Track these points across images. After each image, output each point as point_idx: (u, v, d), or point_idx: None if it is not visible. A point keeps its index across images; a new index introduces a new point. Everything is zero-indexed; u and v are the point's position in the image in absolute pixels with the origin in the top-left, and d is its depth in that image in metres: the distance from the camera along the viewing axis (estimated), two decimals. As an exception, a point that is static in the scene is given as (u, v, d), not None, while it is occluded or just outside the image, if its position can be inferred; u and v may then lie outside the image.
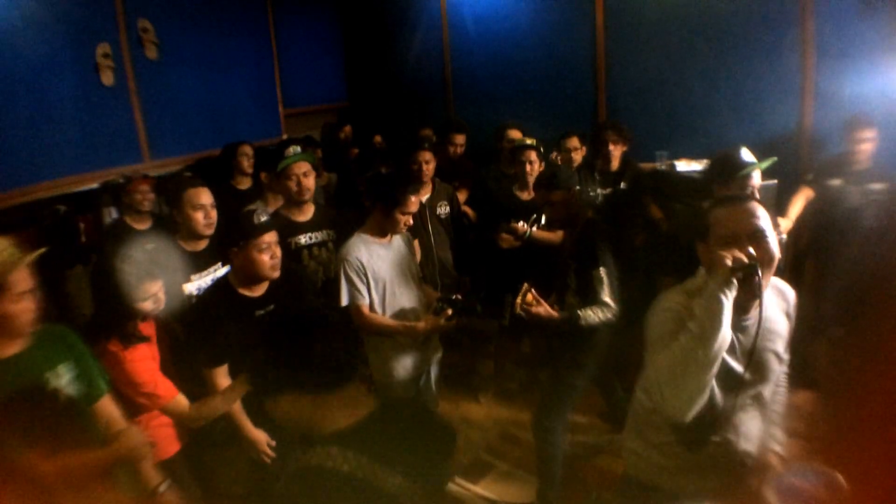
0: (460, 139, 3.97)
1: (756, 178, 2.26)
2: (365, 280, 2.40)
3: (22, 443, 1.37)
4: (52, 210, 3.28)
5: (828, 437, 1.55)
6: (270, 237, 2.05)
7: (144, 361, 1.95)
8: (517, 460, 2.87)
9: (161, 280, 2.02)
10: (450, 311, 2.34)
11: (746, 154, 2.29)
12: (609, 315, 2.26)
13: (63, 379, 1.67)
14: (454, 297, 2.41)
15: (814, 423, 1.60)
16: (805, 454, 1.54)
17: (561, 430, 2.47)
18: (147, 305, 1.98)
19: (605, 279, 2.26)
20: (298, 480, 1.13)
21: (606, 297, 2.25)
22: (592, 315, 2.26)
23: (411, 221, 2.49)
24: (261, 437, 2.10)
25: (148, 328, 2.06)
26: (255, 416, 2.10)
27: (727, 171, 2.28)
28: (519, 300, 2.27)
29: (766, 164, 2.29)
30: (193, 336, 2.08)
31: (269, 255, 2.04)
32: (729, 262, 1.29)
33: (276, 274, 2.09)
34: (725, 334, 1.30)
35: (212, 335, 2.01)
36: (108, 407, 1.78)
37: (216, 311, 2.04)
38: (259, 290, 2.12)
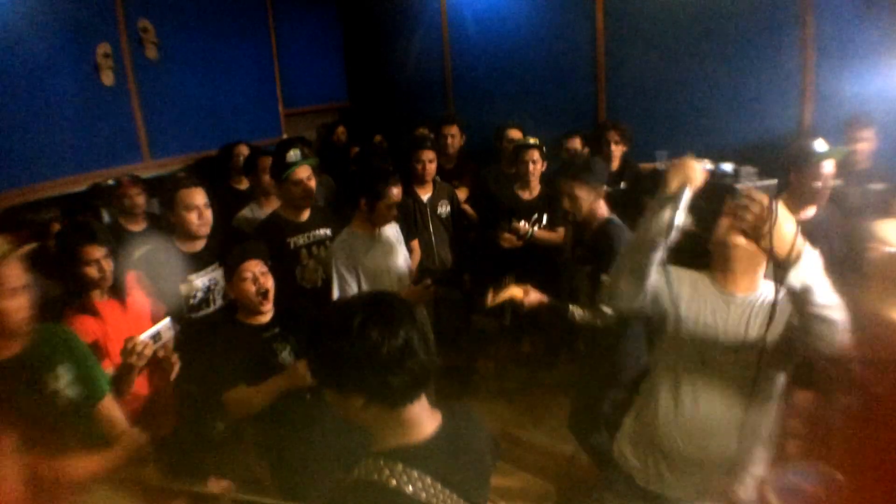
0: (452, 129, 3.97)
1: (829, 167, 2.37)
2: (354, 273, 2.46)
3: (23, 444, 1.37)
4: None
5: (828, 438, 1.55)
6: (254, 266, 2.08)
7: (81, 336, 1.93)
8: (517, 460, 2.87)
9: (107, 247, 2.06)
10: (429, 280, 2.45)
11: (820, 144, 2.39)
12: (598, 322, 2.18)
13: (62, 381, 1.65)
14: (433, 267, 2.47)
15: (814, 424, 1.60)
16: (805, 454, 1.54)
17: (601, 437, 2.45)
18: (91, 272, 2.01)
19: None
20: (356, 493, 1.04)
21: (607, 308, 2.13)
22: (582, 315, 2.24)
23: (396, 212, 2.57)
24: (301, 367, 2.05)
25: (108, 308, 2.08)
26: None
27: (802, 158, 2.38)
28: (498, 291, 2.28)
29: (841, 152, 2.43)
30: (203, 367, 2.08)
31: (255, 287, 2.07)
32: None
33: (267, 307, 2.12)
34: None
35: (223, 365, 2.04)
36: (109, 408, 1.77)
37: (224, 344, 2.08)
38: (264, 317, 2.15)
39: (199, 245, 2.49)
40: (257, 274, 2.07)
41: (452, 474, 1.07)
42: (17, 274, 1.52)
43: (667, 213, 1.45)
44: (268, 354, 2.12)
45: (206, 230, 2.46)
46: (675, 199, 1.45)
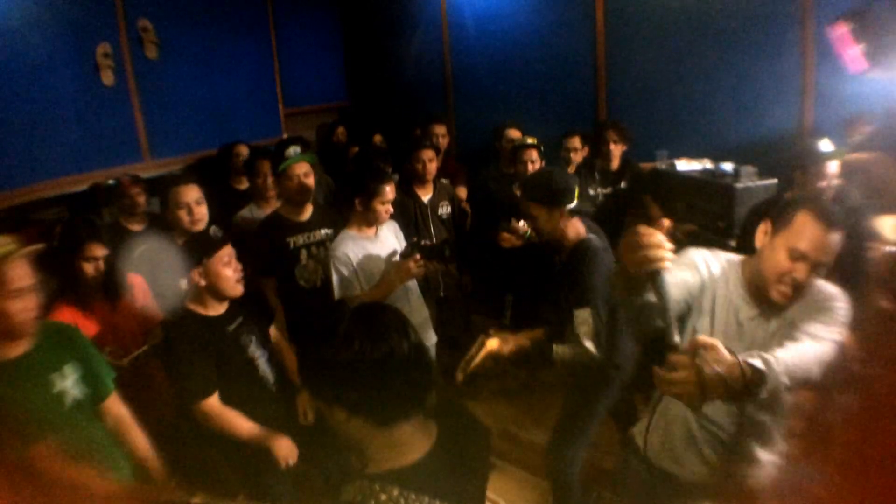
0: (440, 129, 3.99)
1: (834, 167, 2.39)
2: (354, 273, 2.43)
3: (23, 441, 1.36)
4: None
5: (828, 438, 1.55)
6: (230, 250, 2.03)
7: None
8: (517, 460, 2.87)
9: (107, 249, 2.07)
10: (418, 256, 2.35)
11: (826, 144, 2.43)
12: (585, 359, 2.00)
13: (69, 380, 1.65)
14: (422, 242, 2.41)
15: (814, 424, 1.60)
16: (805, 454, 1.54)
17: (578, 462, 2.35)
18: (88, 268, 2.03)
19: (590, 320, 1.98)
20: None
21: (587, 342, 1.99)
22: (568, 354, 2.01)
23: (391, 209, 2.53)
24: (286, 440, 2.02)
25: (97, 306, 2.09)
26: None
27: (807, 158, 2.42)
28: (471, 356, 2.05)
29: (844, 153, 2.46)
30: (174, 374, 2.00)
31: (231, 268, 2.01)
32: None
33: (240, 290, 2.06)
34: None
35: (194, 369, 1.95)
36: (115, 406, 1.78)
37: (191, 344, 1.97)
38: (221, 309, 2.08)
39: None
40: (231, 257, 2.02)
41: (451, 488, 1.03)
42: (22, 274, 1.49)
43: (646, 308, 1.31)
44: (236, 351, 2.05)
45: (199, 227, 2.47)
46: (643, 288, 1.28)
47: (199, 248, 2.00)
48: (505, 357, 2.06)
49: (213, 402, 1.97)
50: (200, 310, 2.04)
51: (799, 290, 1.45)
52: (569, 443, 2.32)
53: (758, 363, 1.22)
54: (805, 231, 1.42)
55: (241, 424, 1.99)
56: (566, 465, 2.31)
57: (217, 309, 2.07)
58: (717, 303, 1.55)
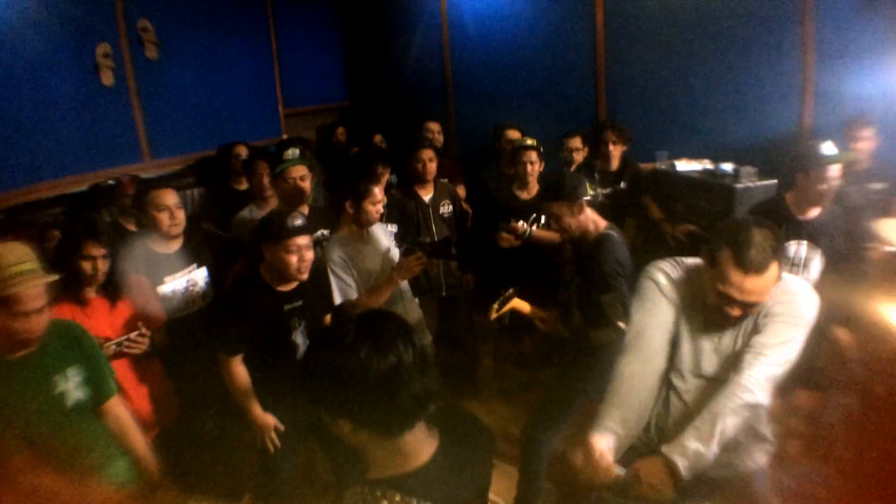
0: (435, 127, 4.02)
1: (836, 170, 2.38)
2: (351, 275, 2.45)
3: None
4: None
5: (828, 438, 1.55)
6: (302, 240, 2.08)
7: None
8: (517, 460, 2.86)
9: (106, 249, 2.09)
10: (420, 252, 2.39)
11: (829, 147, 2.40)
12: (617, 338, 2.09)
13: (71, 382, 1.65)
14: (424, 239, 2.43)
15: (814, 424, 1.60)
16: (805, 454, 1.54)
17: (551, 446, 2.43)
18: (86, 266, 2.05)
19: (617, 303, 2.11)
20: None
21: (619, 323, 2.09)
22: (605, 337, 2.14)
23: (382, 209, 2.56)
24: (269, 421, 2.11)
25: (96, 304, 2.11)
26: (264, 402, 2.12)
27: (809, 161, 2.40)
28: (495, 306, 2.26)
29: (848, 156, 2.48)
30: (219, 319, 2.12)
31: (297, 257, 2.07)
32: None
33: (304, 276, 2.12)
34: None
35: (236, 323, 2.06)
36: (116, 408, 1.78)
37: (246, 300, 2.09)
38: (289, 286, 2.16)
39: (175, 246, 2.50)
40: (300, 248, 2.08)
41: (453, 494, 1.03)
42: (36, 296, 1.49)
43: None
44: (283, 331, 2.14)
45: (177, 230, 2.47)
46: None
47: (274, 229, 2.08)
48: (528, 315, 2.29)
49: (235, 362, 2.08)
50: (270, 280, 2.13)
51: (739, 320, 1.48)
52: (545, 427, 2.41)
53: (678, 463, 1.35)
54: (727, 274, 1.40)
55: (244, 392, 2.09)
56: (538, 446, 2.41)
57: (283, 286, 2.14)
58: (682, 328, 1.60)
